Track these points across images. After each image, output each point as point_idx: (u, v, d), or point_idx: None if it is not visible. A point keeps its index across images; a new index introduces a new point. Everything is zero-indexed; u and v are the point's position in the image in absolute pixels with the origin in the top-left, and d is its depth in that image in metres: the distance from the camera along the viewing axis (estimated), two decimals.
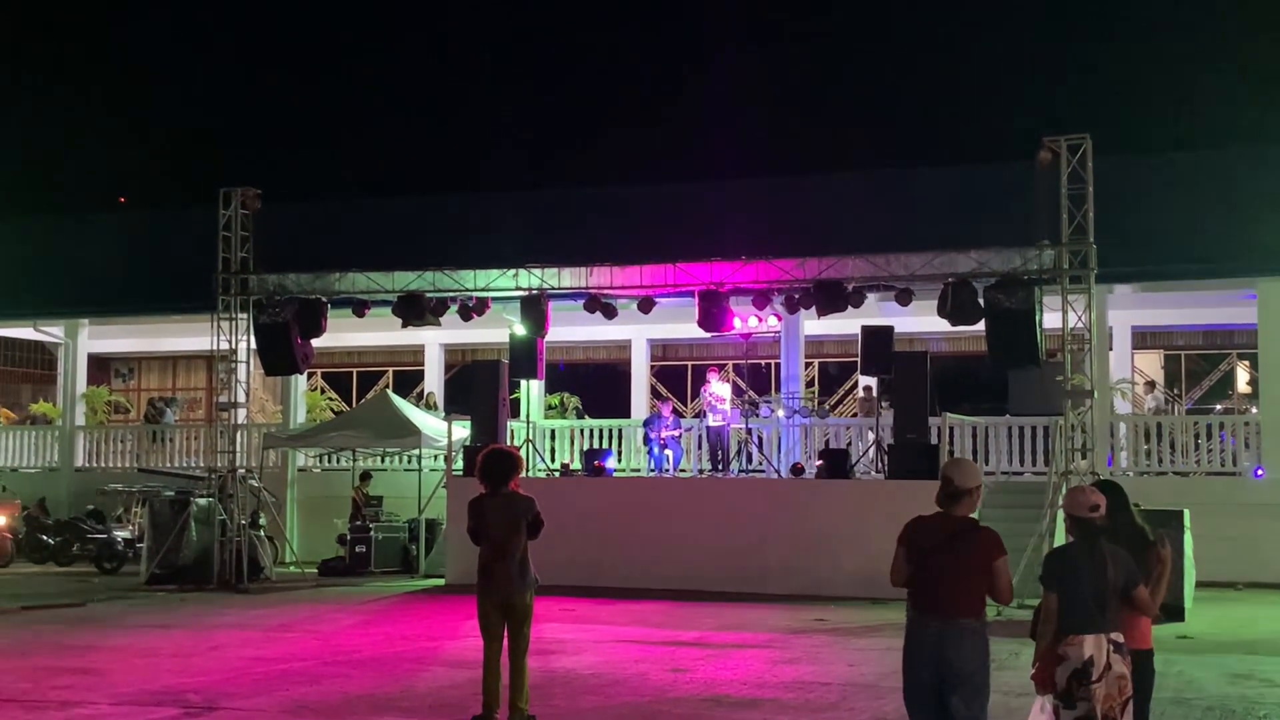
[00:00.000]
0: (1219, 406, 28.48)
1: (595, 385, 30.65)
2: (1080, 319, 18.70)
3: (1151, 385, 27.03)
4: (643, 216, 26.24)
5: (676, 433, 23.87)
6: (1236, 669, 12.96)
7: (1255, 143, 25.86)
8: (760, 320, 22.31)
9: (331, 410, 31.97)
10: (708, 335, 22.44)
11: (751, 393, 25.02)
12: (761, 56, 56.14)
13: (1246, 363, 28.28)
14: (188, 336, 28.79)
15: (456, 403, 27.86)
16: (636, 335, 29.03)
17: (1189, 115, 41.32)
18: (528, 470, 20.21)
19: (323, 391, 33.17)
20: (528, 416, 24.79)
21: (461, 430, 22.75)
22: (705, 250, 21.29)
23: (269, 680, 12.12)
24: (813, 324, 24.70)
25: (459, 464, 21.85)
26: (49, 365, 32.91)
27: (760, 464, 23.36)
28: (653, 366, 30.59)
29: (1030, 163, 19.05)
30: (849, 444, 23.53)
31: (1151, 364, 29.44)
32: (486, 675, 9.73)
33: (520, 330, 22.09)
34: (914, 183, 26.50)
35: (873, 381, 25.03)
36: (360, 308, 22.41)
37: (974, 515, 7.15)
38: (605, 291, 21.51)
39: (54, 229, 32.18)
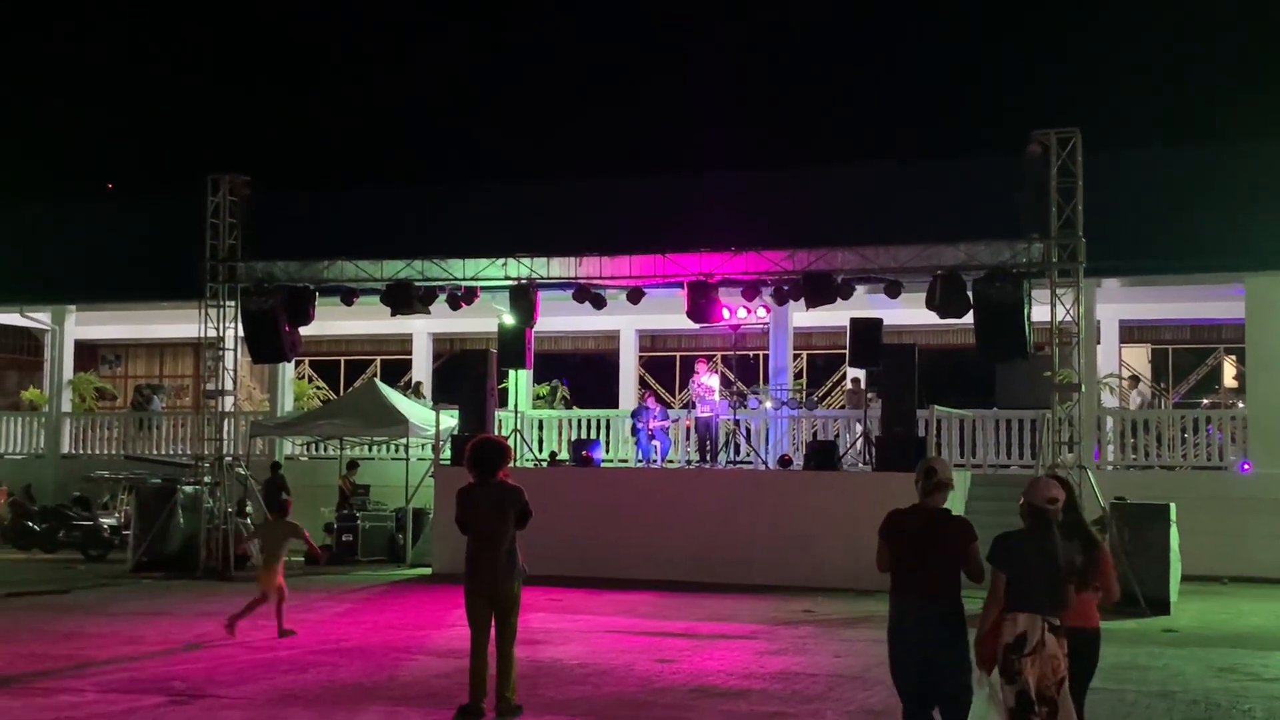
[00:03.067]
0: (1206, 401, 28.54)
1: (583, 375, 30.62)
2: (1068, 312, 18.72)
3: (1135, 380, 27.07)
4: (632, 207, 26.22)
5: (665, 423, 23.88)
6: (1221, 663, 13.00)
7: (1244, 138, 25.88)
8: (749, 312, 22.32)
9: (319, 399, 31.93)
10: (696, 326, 22.42)
11: (740, 384, 25.06)
12: (751, 48, 56.14)
13: (1234, 357, 28.34)
14: (175, 324, 28.74)
15: (444, 392, 27.82)
16: (625, 326, 29.02)
17: (1178, 110, 41.40)
18: (515, 460, 20.19)
19: (310, 380, 33.13)
20: (516, 406, 24.76)
21: (449, 419, 22.73)
22: (694, 241, 21.29)
23: (255, 669, 12.10)
24: (801, 316, 24.71)
25: (447, 453, 21.84)
26: (36, 351, 32.80)
27: (748, 455, 23.38)
28: (641, 357, 30.56)
29: (1020, 156, 19.08)
30: (837, 436, 23.57)
31: (1139, 358, 29.49)
32: (474, 664, 9.72)
33: (509, 320, 22.06)
34: (903, 175, 26.52)
35: (861, 374, 25.08)
36: (349, 296, 22.39)
37: (946, 505, 7.71)
38: (594, 282, 21.50)
39: (41, 215, 32.05)
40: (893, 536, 7.63)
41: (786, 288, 20.73)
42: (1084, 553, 7.48)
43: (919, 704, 7.53)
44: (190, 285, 22.70)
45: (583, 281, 21.47)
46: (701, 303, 20.79)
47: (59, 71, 57.46)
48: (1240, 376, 26.90)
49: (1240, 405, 24.97)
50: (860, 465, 21.73)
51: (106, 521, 24.76)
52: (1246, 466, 22.26)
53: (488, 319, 24.94)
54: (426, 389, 29.26)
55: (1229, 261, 22.48)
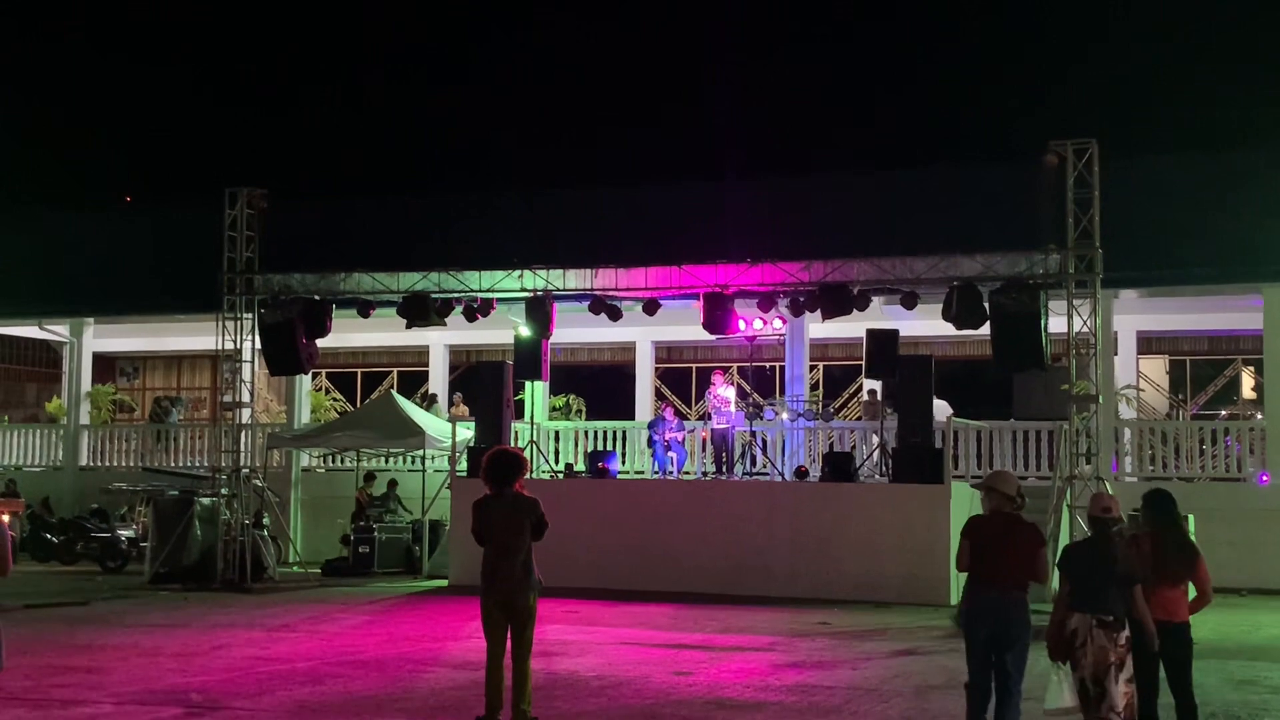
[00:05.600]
0: (1224, 412, 28.43)
1: (599, 387, 30.62)
2: (1085, 323, 18.67)
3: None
4: (648, 218, 26.22)
5: (681, 435, 23.85)
6: (1240, 675, 12.93)
7: (1263, 147, 25.80)
8: (765, 323, 22.28)
9: (336, 410, 31.98)
10: (712, 338, 22.42)
11: (756, 395, 25.01)
12: (768, 58, 56.18)
13: (1252, 368, 28.23)
14: (193, 336, 28.85)
15: (461, 403, 27.87)
16: (641, 337, 29.02)
17: (1195, 120, 41.29)
18: (531, 471, 20.18)
19: (327, 392, 33.19)
20: (532, 418, 24.77)
21: (466, 431, 22.74)
22: (710, 252, 21.26)
23: (271, 680, 12.12)
24: (817, 327, 24.69)
25: (463, 465, 21.86)
26: (54, 364, 32.91)
27: (764, 467, 23.33)
28: (657, 369, 30.56)
29: (1036, 166, 19.04)
30: (853, 447, 23.50)
31: (1156, 369, 29.40)
32: (489, 676, 9.72)
33: (525, 331, 22.06)
34: (920, 186, 26.46)
35: (877, 385, 25.02)
36: (365, 308, 22.42)
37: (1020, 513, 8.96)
38: (610, 293, 21.50)
39: (60, 227, 32.20)
40: (975, 538, 8.92)
41: (802, 299, 20.71)
42: (1183, 557, 8.91)
43: (985, 678, 8.74)
44: (207, 298, 22.80)
45: (599, 293, 21.46)
46: (717, 314, 20.77)
47: (78, 84, 57.73)
48: (1258, 387, 26.78)
49: (1258, 416, 24.85)
50: (877, 477, 21.68)
51: (124, 533, 24.82)
52: (1265, 478, 22.16)
53: (504, 331, 24.97)
54: (443, 400, 29.29)
55: (1247, 272, 22.41)
